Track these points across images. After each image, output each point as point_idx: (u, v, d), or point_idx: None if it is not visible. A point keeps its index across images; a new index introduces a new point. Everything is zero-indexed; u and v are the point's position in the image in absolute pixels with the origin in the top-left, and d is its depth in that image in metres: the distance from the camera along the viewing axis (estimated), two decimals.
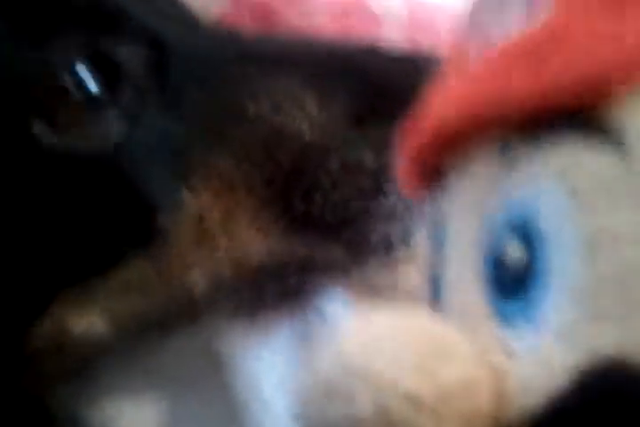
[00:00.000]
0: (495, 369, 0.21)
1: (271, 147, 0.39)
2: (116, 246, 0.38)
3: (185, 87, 0.39)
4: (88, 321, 0.39)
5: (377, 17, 0.45)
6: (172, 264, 0.38)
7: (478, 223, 0.23)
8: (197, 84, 0.39)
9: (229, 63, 0.40)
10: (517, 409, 0.20)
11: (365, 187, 0.39)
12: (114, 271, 0.38)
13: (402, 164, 0.26)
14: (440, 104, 0.24)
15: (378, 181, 0.39)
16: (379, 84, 0.40)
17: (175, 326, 0.41)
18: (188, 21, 0.41)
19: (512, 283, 0.21)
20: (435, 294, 0.25)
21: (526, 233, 0.21)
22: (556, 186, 0.20)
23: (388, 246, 0.40)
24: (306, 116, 0.39)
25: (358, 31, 0.45)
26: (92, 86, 0.37)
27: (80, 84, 0.37)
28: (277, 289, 0.41)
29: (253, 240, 0.39)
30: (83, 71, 0.37)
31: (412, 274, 0.42)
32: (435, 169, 0.25)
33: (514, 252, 0.21)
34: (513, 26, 0.24)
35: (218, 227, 0.38)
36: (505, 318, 0.22)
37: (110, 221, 0.37)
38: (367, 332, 0.22)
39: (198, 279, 0.39)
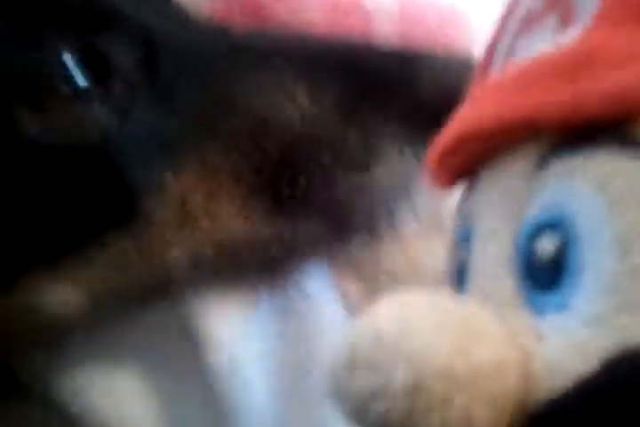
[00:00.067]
0: (524, 352, 0.21)
1: (260, 137, 0.40)
2: (96, 225, 0.38)
3: (175, 81, 0.39)
4: (63, 295, 0.39)
5: (368, 12, 0.45)
6: (152, 243, 0.39)
7: (510, 219, 0.24)
8: (188, 79, 0.39)
9: (220, 57, 0.40)
10: (545, 392, 0.21)
11: (351, 168, 0.40)
12: (93, 248, 0.38)
13: (432, 160, 0.27)
14: (476, 109, 0.26)
15: (364, 163, 0.40)
16: (369, 78, 0.41)
17: (153, 302, 0.42)
18: (179, 16, 0.42)
19: (544, 275, 0.22)
20: (460, 281, 0.26)
21: (560, 229, 0.22)
22: (593, 192, 0.22)
23: (371, 225, 0.41)
24: (296, 107, 0.40)
25: (349, 26, 0.45)
26: (81, 80, 0.37)
27: (69, 77, 0.37)
28: (258, 266, 0.41)
29: (236, 221, 0.40)
30: (71, 65, 0.37)
31: (395, 254, 0.44)
32: (464, 167, 0.27)
33: (547, 246, 0.22)
34: (545, 39, 0.25)
35: (200, 209, 0.39)
36: (535, 308, 0.23)
37: (92, 204, 0.38)
38: (402, 309, 0.22)
39: (178, 258, 0.39)
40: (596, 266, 0.21)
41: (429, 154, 0.27)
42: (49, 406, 0.43)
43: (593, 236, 0.22)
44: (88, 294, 0.39)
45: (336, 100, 0.40)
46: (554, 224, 0.23)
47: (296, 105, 0.40)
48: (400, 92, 0.41)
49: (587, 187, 0.22)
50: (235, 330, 0.41)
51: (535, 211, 0.23)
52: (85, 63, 0.37)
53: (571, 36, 0.24)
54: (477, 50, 0.41)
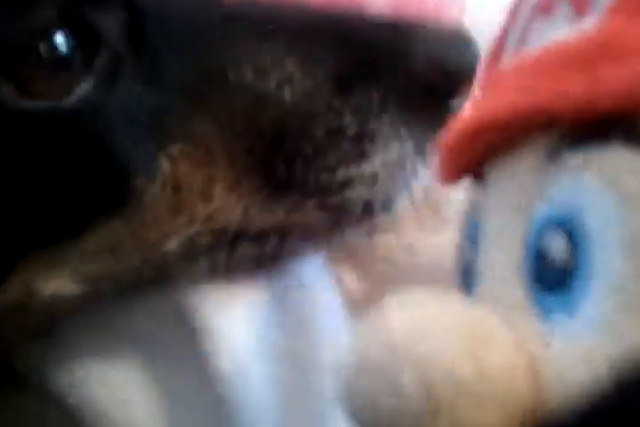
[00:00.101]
0: (532, 357, 0.22)
1: (252, 114, 0.38)
2: (88, 210, 0.37)
3: (163, 53, 0.38)
4: (58, 282, 0.38)
5: None
6: (147, 230, 0.38)
7: (520, 219, 0.24)
8: (176, 50, 0.38)
9: (210, 28, 0.39)
10: (555, 401, 0.21)
11: (347, 153, 0.39)
12: (86, 234, 0.37)
13: (440, 154, 0.27)
14: (487, 100, 0.25)
15: (360, 148, 0.39)
16: (362, 50, 0.40)
17: (148, 289, 0.41)
18: None
19: (554, 276, 0.22)
20: (466, 284, 0.26)
21: (570, 229, 0.22)
22: (602, 189, 0.22)
23: (368, 213, 0.40)
24: (288, 81, 0.39)
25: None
26: (66, 51, 0.36)
27: (52, 46, 0.36)
28: (254, 253, 0.40)
29: (233, 208, 0.39)
30: (57, 36, 0.36)
31: (392, 241, 0.43)
32: (471, 163, 0.26)
33: (557, 247, 0.22)
34: (558, 27, 0.25)
35: (196, 195, 0.38)
36: (544, 310, 0.23)
37: (82, 185, 0.37)
38: (411, 313, 0.23)
39: (174, 244, 0.39)
40: (604, 266, 0.21)
41: (438, 146, 0.27)
42: (46, 397, 0.42)
43: (602, 234, 0.21)
44: (83, 281, 0.39)
45: (329, 74, 0.39)
46: (563, 221, 0.22)
47: (288, 78, 0.39)
48: (394, 64, 0.39)
49: (596, 183, 0.22)
50: (232, 318, 0.41)
51: (545, 206, 0.23)
52: (69, 31, 0.36)
53: (586, 26, 0.24)
54: (468, 22, 0.40)
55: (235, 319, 0.41)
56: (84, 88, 0.36)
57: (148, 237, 0.38)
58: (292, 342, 0.41)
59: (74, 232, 0.37)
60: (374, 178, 0.40)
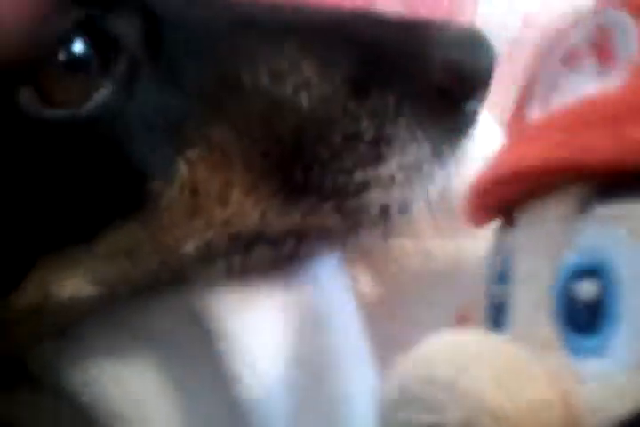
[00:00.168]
0: (566, 393, 0.22)
1: (269, 118, 0.38)
2: (105, 213, 0.37)
3: (181, 58, 0.38)
4: (74, 284, 0.38)
5: None
6: (164, 233, 0.38)
7: (548, 265, 0.25)
8: (194, 56, 0.38)
9: (225, 33, 0.39)
10: None
11: (364, 156, 0.39)
12: (104, 237, 0.37)
13: (470, 198, 0.28)
14: (518, 150, 0.26)
15: (377, 151, 0.39)
16: (378, 53, 0.40)
17: (165, 291, 0.41)
18: None
19: (583, 318, 0.23)
20: (497, 322, 0.27)
21: (598, 275, 0.23)
22: (632, 239, 0.22)
23: (385, 216, 0.40)
24: (305, 86, 0.39)
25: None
26: (84, 58, 0.36)
27: (74, 55, 0.36)
28: (271, 256, 0.41)
29: (250, 212, 0.39)
30: (76, 43, 0.36)
31: (406, 246, 0.43)
32: (500, 207, 0.27)
33: (586, 291, 0.23)
34: (586, 81, 0.26)
35: (213, 199, 0.38)
36: (575, 350, 0.23)
37: (100, 188, 0.37)
38: (454, 350, 0.23)
39: (190, 248, 0.39)
40: (633, 309, 0.22)
41: (469, 192, 0.28)
42: (60, 396, 0.42)
43: (631, 281, 0.22)
44: (99, 281, 0.39)
45: (345, 77, 0.39)
46: (593, 269, 0.23)
47: (304, 82, 0.39)
48: (410, 67, 0.39)
49: (626, 233, 0.23)
50: (247, 320, 0.41)
51: (574, 255, 0.24)
52: (88, 38, 0.36)
53: (613, 82, 0.25)
54: (481, 24, 0.40)
55: (250, 321, 0.41)
56: (102, 94, 0.36)
57: (164, 241, 0.38)
58: (306, 345, 0.41)
59: (91, 235, 0.37)
60: (391, 181, 0.39)
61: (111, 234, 0.37)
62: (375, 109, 0.39)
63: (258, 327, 0.41)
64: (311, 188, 0.39)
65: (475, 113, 0.41)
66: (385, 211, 0.40)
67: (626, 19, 0.25)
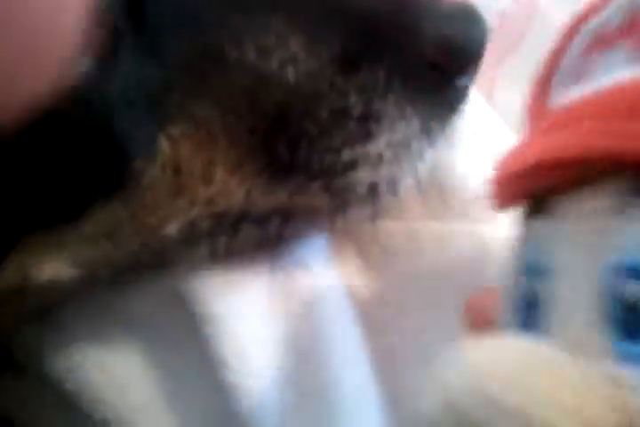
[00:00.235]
0: (623, 405, 0.21)
1: (255, 94, 0.37)
2: (86, 192, 0.36)
3: (164, 32, 0.37)
4: (54, 267, 0.37)
5: None
6: (146, 213, 0.37)
7: (593, 260, 0.23)
8: (177, 29, 0.37)
9: (211, 6, 0.38)
10: None
11: (352, 134, 0.38)
12: (84, 217, 0.36)
13: (498, 181, 0.26)
14: (556, 135, 0.24)
15: (366, 128, 0.38)
16: (367, 27, 0.38)
17: (147, 273, 0.40)
18: None
19: (633, 323, 0.21)
20: (528, 320, 0.25)
21: None
22: None
23: (373, 195, 0.39)
24: (292, 60, 0.37)
25: None
26: None
27: None
28: (256, 236, 0.40)
29: (234, 191, 0.38)
30: None
31: (395, 226, 0.43)
32: (532, 193, 0.25)
33: (635, 292, 0.21)
34: (621, 66, 0.24)
35: (197, 178, 0.37)
36: (624, 356, 0.22)
37: (80, 166, 0.35)
38: (498, 359, 0.22)
39: (174, 228, 0.38)
40: None
41: (495, 174, 0.26)
42: (44, 383, 0.42)
43: None
44: (79, 263, 0.38)
45: (333, 52, 0.38)
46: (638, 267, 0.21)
47: (291, 57, 0.38)
48: (400, 42, 0.38)
49: None
50: (233, 303, 0.40)
51: (622, 251, 0.22)
52: None
53: None
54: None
55: (236, 304, 0.40)
56: (82, 66, 0.35)
57: (147, 221, 0.37)
58: (294, 328, 0.40)
59: (71, 215, 0.36)
60: (379, 159, 0.39)
61: (92, 214, 0.36)
62: (364, 85, 0.38)
63: (244, 310, 0.40)
64: (298, 166, 0.38)
65: (466, 89, 0.40)
66: (373, 190, 0.39)
67: None
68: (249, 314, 0.40)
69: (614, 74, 0.24)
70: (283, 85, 0.37)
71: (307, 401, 0.40)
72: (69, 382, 0.41)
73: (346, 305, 0.42)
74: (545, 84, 0.27)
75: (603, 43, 0.25)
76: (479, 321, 0.31)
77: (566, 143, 0.23)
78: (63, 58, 0.32)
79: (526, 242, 0.26)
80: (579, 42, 0.26)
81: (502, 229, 0.41)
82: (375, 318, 0.42)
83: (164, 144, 0.36)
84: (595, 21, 0.26)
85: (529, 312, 0.25)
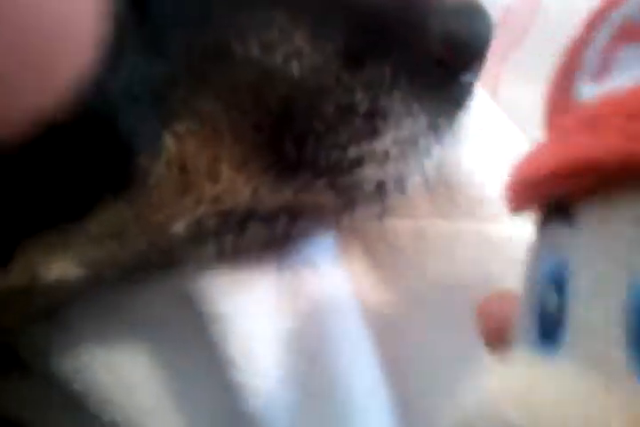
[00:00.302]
0: None
1: (260, 89, 0.37)
2: (91, 191, 0.36)
3: (168, 27, 0.36)
4: (61, 266, 0.37)
5: None
6: (152, 211, 0.37)
7: (620, 273, 0.21)
8: (181, 23, 0.36)
9: (214, 1, 0.37)
10: None
11: (359, 130, 0.38)
12: (90, 216, 0.36)
13: (515, 186, 0.24)
14: (588, 136, 0.22)
15: (372, 125, 0.38)
16: (373, 22, 0.38)
17: (154, 273, 0.40)
18: None
19: None
20: (545, 334, 0.23)
21: None
22: None
23: (380, 192, 0.39)
24: (297, 55, 0.37)
25: None
26: None
27: None
28: (263, 234, 0.39)
29: (241, 188, 0.37)
30: None
31: (399, 225, 0.42)
32: (554, 198, 0.24)
33: None
34: None
35: (202, 176, 0.37)
36: None
37: (84, 165, 0.35)
38: (521, 385, 0.21)
39: (180, 227, 0.38)
40: None
41: (511, 178, 0.24)
42: (50, 383, 0.41)
43: None
44: (86, 263, 0.38)
45: (339, 47, 0.38)
46: None
47: (296, 52, 0.37)
48: (406, 37, 0.38)
49: None
50: (240, 302, 0.40)
51: None
52: None
53: None
54: None
55: (243, 303, 0.40)
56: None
57: (153, 220, 0.37)
58: (302, 327, 0.40)
59: (77, 215, 0.36)
60: (386, 156, 0.38)
61: (98, 213, 0.36)
62: (370, 81, 0.38)
63: (251, 310, 0.40)
64: (304, 163, 0.38)
65: (471, 84, 0.40)
66: (380, 187, 0.39)
67: None
68: (256, 313, 0.40)
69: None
70: (287, 80, 0.37)
71: (314, 401, 0.40)
72: (77, 383, 0.41)
73: (354, 305, 0.41)
74: (569, 74, 0.25)
75: (630, 35, 0.23)
76: (491, 325, 0.30)
77: (584, 150, 0.21)
78: (73, 66, 0.32)
79: (542, 249, 0.24)
80: (605, 31, 0.24)
81: (510, 227, 0.41)
82: (383, 320, 0.42)
83: (169, 141, 0.36)
84: (621, 11, 0.24)
85: (546, 324, 0.23)
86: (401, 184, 0.39)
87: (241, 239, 0.39)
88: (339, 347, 0.40)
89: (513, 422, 0.20)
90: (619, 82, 0.23)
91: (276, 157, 0.37)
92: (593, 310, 0.21)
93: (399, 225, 0.42)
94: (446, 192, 0.42)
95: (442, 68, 0.38)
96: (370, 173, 0.38)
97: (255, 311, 0.40)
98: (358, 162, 0.38)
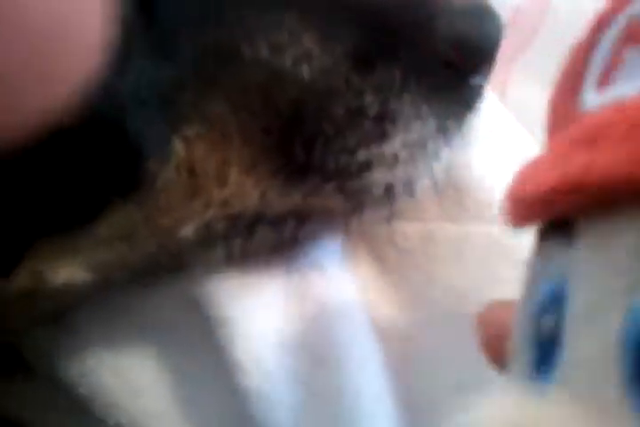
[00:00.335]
0: None
1: (269, 91, 0.37)
2: (100, 195, 0.35)
3: (175, 28, 0.36)
4: (69, 270, 0.37)
5: None
6: (161, 215, 0.37)
7: (619, 300, 0.20)
8: (189, 26, 0.36)
9: (223, 3, 0.37)
10: None
11: (368, 134, 0.38)
12: (99, 220, 0.36)
13: (515, 202, 0.23)
14: (593, 151, 0.20)
15: (381, 128, 0.38)
16: (383, 24, 0.38)
17: (162, 277, 0.40)
18: None
19: None
20: (544, 360, 0.22)
21: None
22: None
23: (389, 196, 0.39)
24: (306, 58, 0.37)
25: None
26: None
27: None
28: (272, 238, 0.39)
29: (249, 192, 0.37)
30: None
31: (407, 228, 0.42)
32: (553, 217, 0.22)
33: None
34: None
35: (211, 179, 0.37)
36: None
37: (93, 169, 0.35)
38: (512, 421, 0.20)
39: (189, 230, 0.37)
40: None
41: (510, 192, 0.23)
42: (56, 387, 0.41)
43: None
44: (94, 266, 0.38)
45: (348, 49, 0.37)
46: None
47: (305, 55, 0.37)
48: (415, 40, 0.37)
49: None
50: (248, 306, 0.40)
51: None
52: None
53: None
54: None
55: (251, 307, 0.40)
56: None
57: (162, 223, 0.37)
58: (309, 332, 0.40)
59: (86, 218, 0.36)
60: (395, 159, 0.38)
61: (107, 217, 0.36)
62: (380, 84, 0.37)
63: (259, 314, 0.40)
64: (313, 167, 0.37)
65: (481, 87, 0.40)
66: (389, 190, 0.38)
67: None
68: (264, 317, 0.40)
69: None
70: (297, 82, 0.37)
71: (321, 405, 0.40)
72: (83, 387, 0.41)
73: (361, 309, 0.41)
74: (573, 79, 0.24)
75: (637, 36, 0.22)
76: (490, 333, 0.29)
77: (585, 168, 0.20)
78: (80, 70, 0.31)
79: (540, 266, 0.23)
80: (611, 34, 0.23)
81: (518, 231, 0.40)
82: (391, 323, 0.41)
83: (177, 145, 0.36)
84: (627, 11, 0.23)
85: (541, 347, 0.22)
86: (410, 187, 0.39)
87: (249, 243, 0.39)
88: (346, 351, 0.40)
89: None
90: (623, 91, 0.22)
91: (285, 160, 0.37)
92: (588, 337, 0.20)
93: (407, 228, 0.42)
94: (455, 195, 0.42)
95: (451, 70, 0.38)
96: (379, 176, 0.38)
97: (263, 315, 0.40)
98: (367, 165, 0.38)
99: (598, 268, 0.20)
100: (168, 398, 0.41)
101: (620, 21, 0.23)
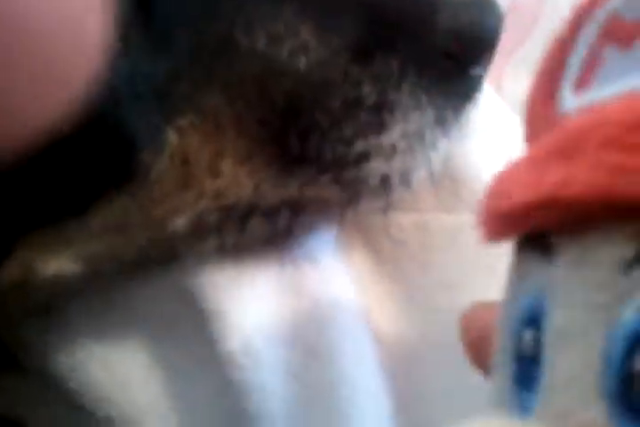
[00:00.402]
0: None
1: (265, 83, 0.36)
2: (93, 186, 0.35)
3: (171, 19, 0.35)
4: (59, 262, 0.37)
5: None
6: (154, 206, 0.36)
7: (600, 320, 0.19)
8: (185, 16, 0.36)
9: None
10: None
11: (365, 124, 0.37)
12: (91, 211, 0.35)
13: (490, 216, 0.22)
14: (570, 164, 0.20)
15: (379, 119, 0.37)
16: (381, 15, 0.37)
17: (155, 270, 0.39)
18: None
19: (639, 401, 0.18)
20: (524, 381, 0.21)
21: None
22: None
23: (385, 187, 0.38)
24: (303, 49, 0.36)
25: None
26: None
27: None
28: (265, 230, 0.39)
29: (243, 183, 0.37)
30: None
31: (403, 219, 0.42)
32: (530, 230, 0.21)
33: None
34: (633, 75, 0.20)
35: (205, 170, 0.36)
36: None
37: (87, 158, 0.34)
38: None
39: (182, 222, 0.37)
40: None
41: (484, 205, 0.22)
42: (47, 380, 0.41)
43: None
44: (85, 258, 0.37)
45: (346, 40, 0.37)
46: None
47: (302, 46, 0.37)
48: (414, 30, 0.37)
49: None
50: (241, 298, 0.39)
51: (634, 314, 0.18)
52: None
53: None
54: None
55: (244, 300, 0.39)
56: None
57: (155, 214, 0.36)
58: (303, 324, 0.40)
59: (78, 209, 0.35)
60: (392, 150, 0.38)
61: (99, 208, 0.35)
62: (378, 74, 0.37)
63: (252, 306, 0.40)
64: (308, 158, 0.37)
65: (480, 78, 0.39)
66: (385, 181, 0.38)
67: None
68: (257, 309, 0.40)
69: (631, 81, 0.20)
70: (293, 74, 0.36)
71: (315, 397, 0.39)
72: (73, 381, 0.40)
73: (355, 300, 0.41)
74: (551, 79, 0.23)
75: (615, 34, 0.21)
76: (472, 337, 0.28)
77: (560, 184, 0.19)
78: (82, 72, 0.31)
79: (519, 281, 0.22)
80: (590, 30, 0.22)
81: None
82: (386, 315, 0.41)
83: (171, 135, 0.35)
84: (607, 6, 0.22)
85: (526, 371, 0.21)
86: (406, 178, 0.39)
87: (242, 235, 0.39)
88: (340, 343, 0.40)
89: None
90: (600, 94, 0.21)
91: (280, 151, 0.37)
92: (569, 355, 0.19)
93: (403, 219, 0.42)
94: (451, 186, 0.42)
95: (450, 61, 0.38)
96: (376, 167, 0.38)
97: (256, 307, 0.40)
98: (364, 156, 0.37)
99: (577, 284, 0.20)
100: (159, 391, 0.40)
101: (599, 16, 0.22)
